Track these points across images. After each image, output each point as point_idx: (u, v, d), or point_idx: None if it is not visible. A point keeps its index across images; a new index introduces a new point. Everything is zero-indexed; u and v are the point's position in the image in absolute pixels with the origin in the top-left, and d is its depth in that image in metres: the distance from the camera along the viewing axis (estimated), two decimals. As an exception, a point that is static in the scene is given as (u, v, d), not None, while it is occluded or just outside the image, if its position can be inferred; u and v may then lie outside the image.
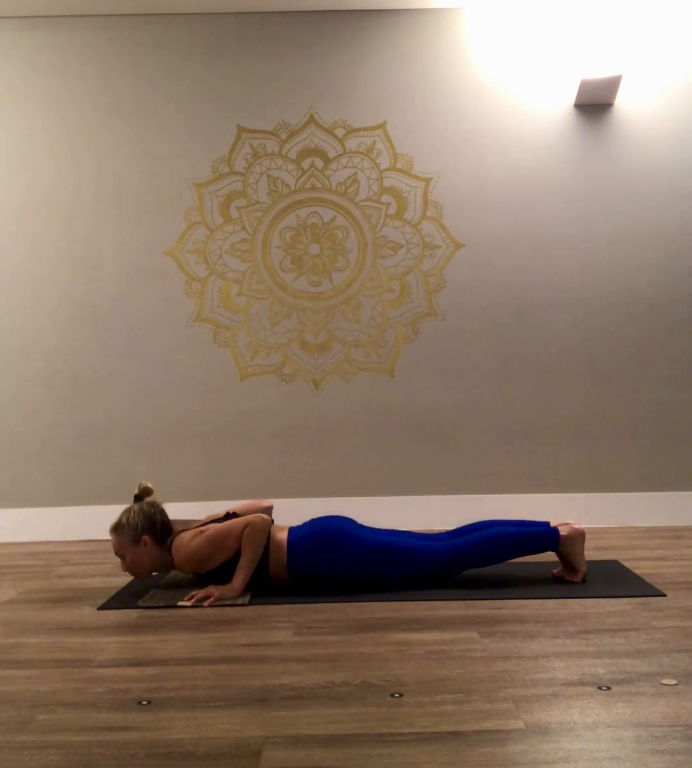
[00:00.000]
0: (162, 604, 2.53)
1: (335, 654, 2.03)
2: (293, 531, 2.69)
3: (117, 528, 2.67)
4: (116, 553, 2.67)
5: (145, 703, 1.76)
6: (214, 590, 2.54)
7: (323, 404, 3.72)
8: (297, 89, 3.76)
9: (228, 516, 2.75)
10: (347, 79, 3.76)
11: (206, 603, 2.49)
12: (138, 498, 2.75)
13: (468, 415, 3.75)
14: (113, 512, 3.68)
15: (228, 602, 2.50)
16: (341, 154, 3.76)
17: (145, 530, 2.64)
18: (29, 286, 3.76)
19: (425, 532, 2.85)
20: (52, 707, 1.75)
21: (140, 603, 2.55)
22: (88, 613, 2.48)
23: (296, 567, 2.62)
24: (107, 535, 3.67)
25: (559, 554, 2.67)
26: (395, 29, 3.75)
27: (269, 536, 2.62)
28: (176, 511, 3.67)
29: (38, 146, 3.76)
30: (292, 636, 2.19)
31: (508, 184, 3.75)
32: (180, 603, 2.52)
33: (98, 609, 2.51)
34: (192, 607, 2.49)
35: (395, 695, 1.76)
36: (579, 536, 2.66)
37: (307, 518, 3.73)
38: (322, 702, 1.73)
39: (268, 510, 2.84)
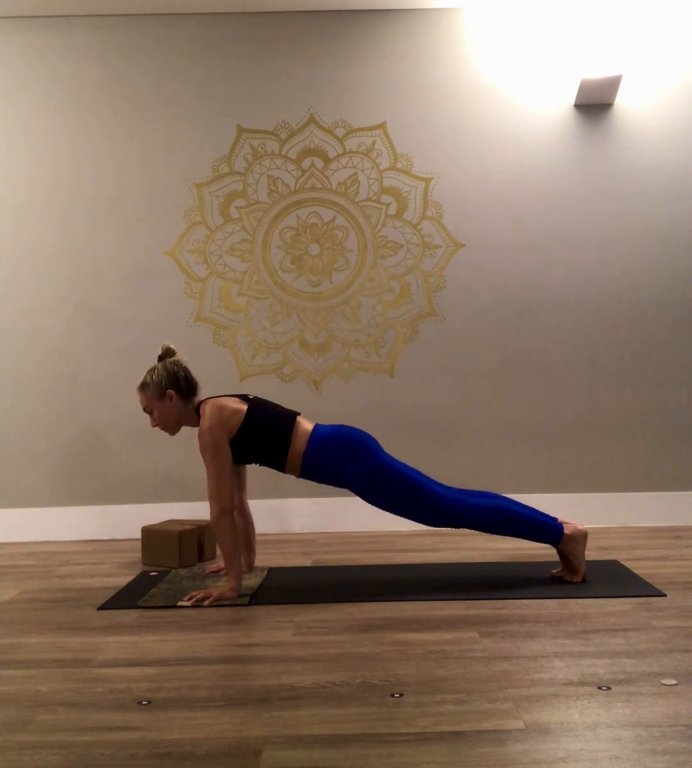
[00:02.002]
0: (162, 604, 2.53)
1: (335, 654, 2.03)
2: (318, 427, 2.70)
3: (143, 386, 2.74)
4: (144, 410, 2.76)
5: (145, 703, 1.76)
6: (213, 591, 2.55)
7: (323, 404, 3.72)
8: (297, 89, 3.76)
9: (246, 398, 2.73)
10: (347, 79, 3.77)
11: (205, 603, 2.50)
12: (161, 358, 2.78)
13: (468, 415, 3.75)
14: (113, 512, 3.71)
15: (228, 602, 2.51)
16: (341, 154, 3.76)
17: (170, 386, 2.70)
18: (29, 286, 3.76)
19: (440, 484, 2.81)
20: (52, 707, 1.75)
21: (140, 603, 2.55)
22: (88, 613, 2.48)
23: (311, 460, 2.63)
24: (107, 535, 3.70)
25: (560, 551, 2.67)
26: (395, 29, 3.76)
27: (293, 430, 2.64)
28: (176, 511, 3.69)
29: (37, 146, 3.76)
30: (292, 636, 2.19)
31: (508, 184, 3.75)
32: (180, 603, 2.52)
33: (98, 609, 2.51)
34: (192, 607, 2.50)
35: (395, 695, 1.76)
36: (581, 536, 2.66)
37: (306, 518, 3.75)
38: (322, 702, 1.73)
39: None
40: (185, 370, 2.76)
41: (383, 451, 2.69)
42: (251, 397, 2.74)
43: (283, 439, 2.64)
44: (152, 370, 2.74)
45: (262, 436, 2.64)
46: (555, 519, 2.70)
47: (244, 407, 2.65)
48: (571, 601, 2.44)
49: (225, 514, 2.57)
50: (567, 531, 2.65)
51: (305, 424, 2.69)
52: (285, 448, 2.64)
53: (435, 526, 2.68)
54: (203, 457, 2.61)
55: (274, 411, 2.71)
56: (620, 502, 3.69)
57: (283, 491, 3.67)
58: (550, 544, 2.67)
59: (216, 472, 2.58)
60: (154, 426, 2.78)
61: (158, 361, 2.78)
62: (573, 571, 2.66)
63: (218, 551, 3.34)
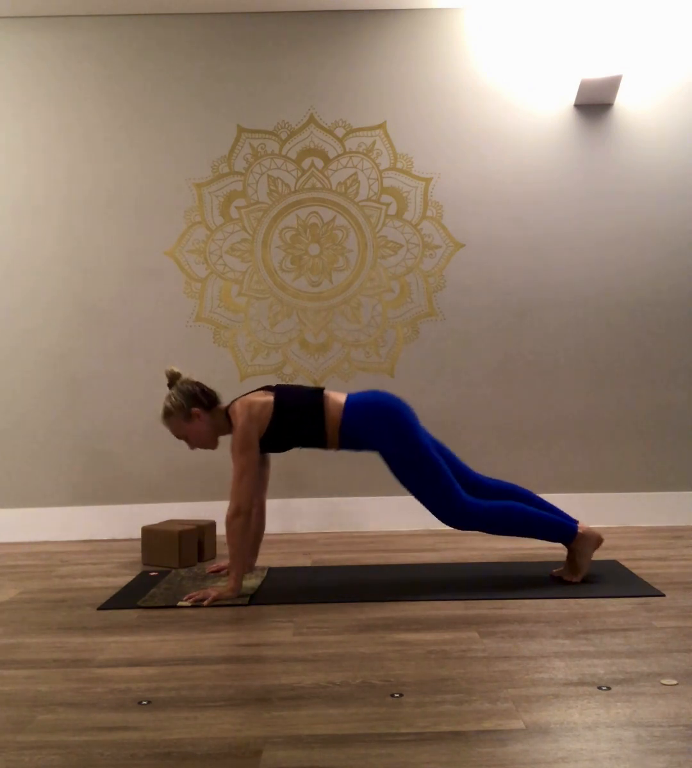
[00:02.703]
0: (162, 604, 2.53)
1: (335, 654, 2.03)
2: (351, 395, 2.71)
3: (167, 415, 2.73)
4: (178, 438, 2.76)
5: (145, 703, 1.76)
6: (212, 591, 2.55)
7: (323, 404, 3.72)
8: (297, 89, 3.76)
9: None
10: (347, 79, 3.77)
11: (204, 603, 2.50)
12: (171, 384, 2.77)
13: (468, 415, 3.75)
14: (113, 512, 3.71)
15: (228, 602, 2.51)
16: (341, 154, 3.76)
17: (192, 404, 2.70)
18: (29, 286, 3.76)
19: (463, 464, 2.82)
20: (52, 707, 1.75)
21: (140, 603, 2.55)
22: (88, 613, 2.48)
23: (349, 428, 2.63)
24: (107, 535, 3.69)
25: (569, 549, 2.67)
26: (395, 29, 3.76)
27: (324, 403, 2.65)
28: (176, 511, 3.69)
29: (37, 146, 3.76)
30: (292, 636, 2.19)
31: (508, 184, 3.75)
32: (180, 603, 2.52)
33: (98, 609, 2.51)
34: (191, 607, 2.50)
35: (395, 695, 1.76)
36: (594, 539, 2.66)
37: (306, 518, 3.75)
38: (322, 702, 1.73)
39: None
40: (199, 384, 2.76)
41: (420, 426, 2.68)
42: (274, 386, 2.75)
43: (317, 414, 2.64)
44: (168, 397, 2.73)
45: (295, 419, 2.64)
46: (569, 517, 2.72)
47: (271, 397, 2.66)
48: (571, 601, 2.44)
49: (240, 514, 2.55)
50: (580, 530, 2.65)
51: (336, 395, 2.71)
52: (321, 423, 2.64)
53: (448, 524, 2.65)
54: (232, 455, 2.61)
55: (300, 392, 2.72)
56: (620, 502, 3.69)
57: (283, 491, 3.67)
58: (562, 542, 2.67)
59: (240, 470, 2.57)
60: (194, 448, 2.79)
61: (169, 388, 2.77)
62: (573, 571, 2.66)
63: (219, 551, 3.34)
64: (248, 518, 2.57)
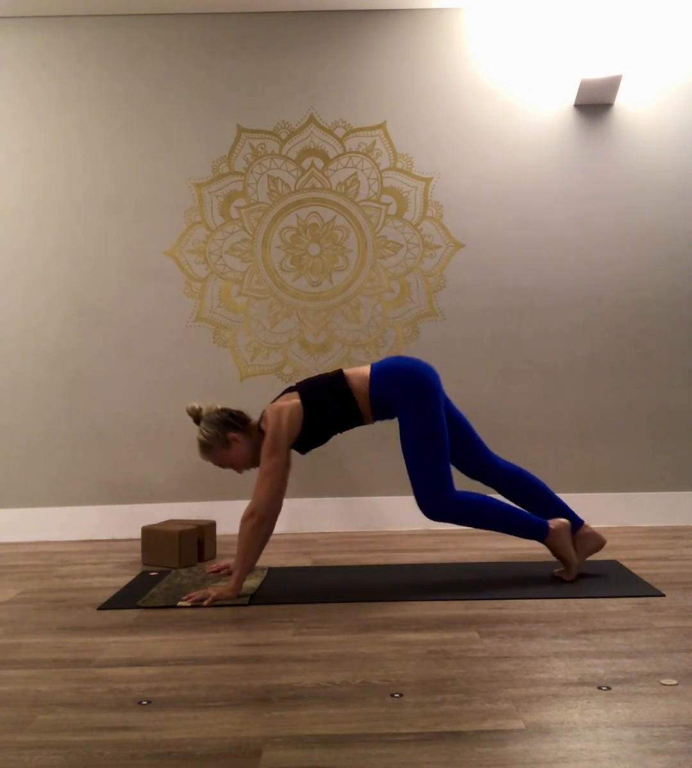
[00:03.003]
0: (162, 604, 2.53)
1: (335, 654, 2.03)
2: (374, 365, 2.73)
3: (205, 450, 2.74)
4: (222, 467, 2.77)
5: (145, 703, 1.76)
6: (212, 591, 2.55)
7: (323, 404, 3.72)
8: (297, 89, 3.76)
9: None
10: (347, 79, 3.77)
11: (204, 603, 2.50)
12: (197, 420, 2.77)
13: (468, 415, 3.70)
14: (113, 512, 3.71)
15: (228, 602, 2.51)
16: (341, 154, 3.76)
17: (226, 430, 2.70)
18: (29, 286, 3.76)
19: (480, 440, 2.85)
20: (52, 707, 1.75)
21: (140, 603, 2.55)
22: (88, 613, 2.48)
23: (378, 395, 2.65)
24: (107, 535, 3.69)
25: (549, 547, 2.68)
26: (395, 29, 3.76)
27: (347, 381, 2.67)
28: (176, 511, 3.69)
29: (37, 146, 3.76)
30: (292, 636, 2.19)
31: (508, 184, 3.75)
32: (179, 603, 2.52)
33: (98, 609, 2.51)
34: (191, 607, 2.50)
35: (395, 695, 1.76)
36: (563, 528, 2.66)
37: (306, 518, 3.75)
38: (322, 702, 1.73)
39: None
40: (225, 409, 2.77)
41: (442, 399, 2.69)
42: (295, 386, 2.75)
43: (344, 395, 2.66)
44: (200, 432, 2.73)
45: (326, 407, 2.66)
46: (574, 515, 2.76)
47: (297, 399, 2.66)
48: (571, 601, 2.44)
49: (254, 516, 2.53)
50: (552, 526, 2.66)
51: (358, 369, 2.74)
52: (351, 401, 2.66)
53: (422, 508, 2.63)
54: (261, 459, 2.63)
55: (321, 381, 2.73)
56: (620, 502, 3.69)
57: (283, 491, 3.66)
58: (535, 540, 2.68)
59: (263, 473, 2.57)
60: (242, 472, 2.81)
61: (197, 424, 2.77)
62: (566, 568, 2.67)
63: (219, 551, 3.34)
64: (264, 523, 2.53)
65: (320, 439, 2.75)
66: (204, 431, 2.72)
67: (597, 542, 2.75)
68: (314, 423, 2.67)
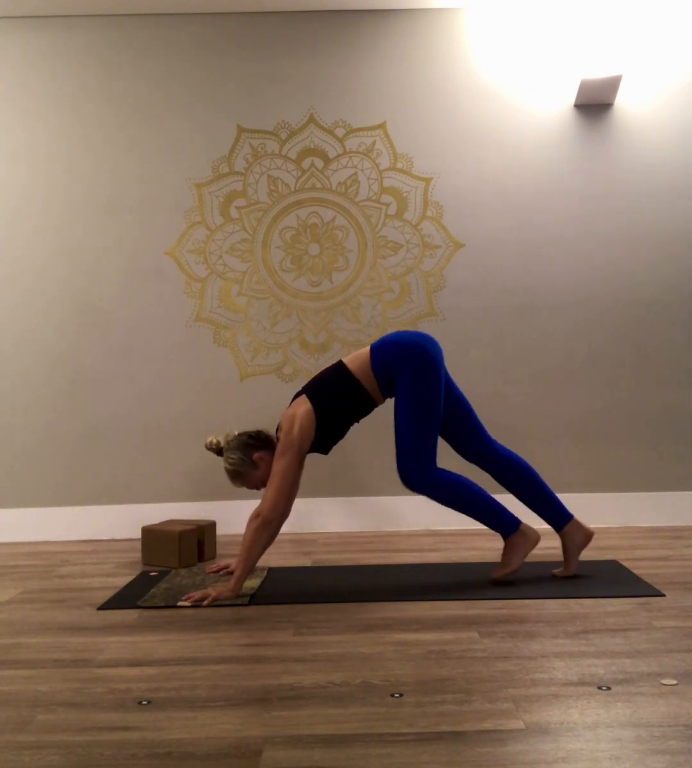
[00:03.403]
0: (162, 604, 2.53)
1: (335, 654, 2.03)
2: (375, 343, 2.73)
3: (235, 477, 2.75)
4: (257, 489, 2.78)
5: (145, 703, 1.76)
6: (211, 591, 2.54)
7: (323, 404, 3.72)
8: (297, 89, 3.76)
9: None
10: (347, 79, 3.77)
11: (204, 603, 2.50)
12: (219, 452, 2.78)
13: (468, 415, 3.74)
14: (113, 512, 3.71)
15: (228, 602, 2.51)
16: (341, 154, 3.76)
17: (251, 452, 2.71)
18: (29, 286, 3.76)
19: (478, 422, 2.83)
20: (52, 707, 1.75)
21: (140, 603, 2.55)
22: (88, 613, 2.48)
23: (381, 371, 2.65)
24: (107, 535, 3.69)
25: (509, 543, 2.68)
26: (395, 29, 3.76)
27: (348, 367, 2.67)
28: (176, 511, 3.69)
29: (37, 146, 3.76)
30: (292, 636, 2.19)
31: (508, 184, 3.75)
32: (179, 603, 2.52)
33: (98, 609, 2.51)
34: (191, 607, 2.50)
35: (395, 695, 1.76)
36: (530, 541, 2.66)
37: (306, 518, 3.75)
38: (322, 702, 1.73)
39: None
40: (242, 433, 2.77)
41: (442, 374, 2.68)
42: (302, 390, 2.74)
43: (350, 384, 2.66)
44: (225, 462, 2.74)
45: (337, 403, 2.66)
46: (562, 509, 2.74)
47: (308, 403, 2.65)
48: (571, 601, 2.44)
49: (258, 518, 2.53)
50: (522, 527, 2.66)
51: (357, 353, 2.73)
52: (358, 387, 2.66)
53: (403, 478, 2.64)
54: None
55: (325, 378, 2.72)
56: (620, 502, 3.69)
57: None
58: (502, 534, 2.68)
59: (272, 475, 2.57)
60: None
61: (220, 455, 2.78)
62: (503, 566, 2.66)
63: (219, 551, 3.34)
64: (268, 525, 2.53)
65: (339, 433, 2.74)
66: (229, 459, 2.73)
67: (585, 534, 2.72)
68: (328, 421, 2.67)
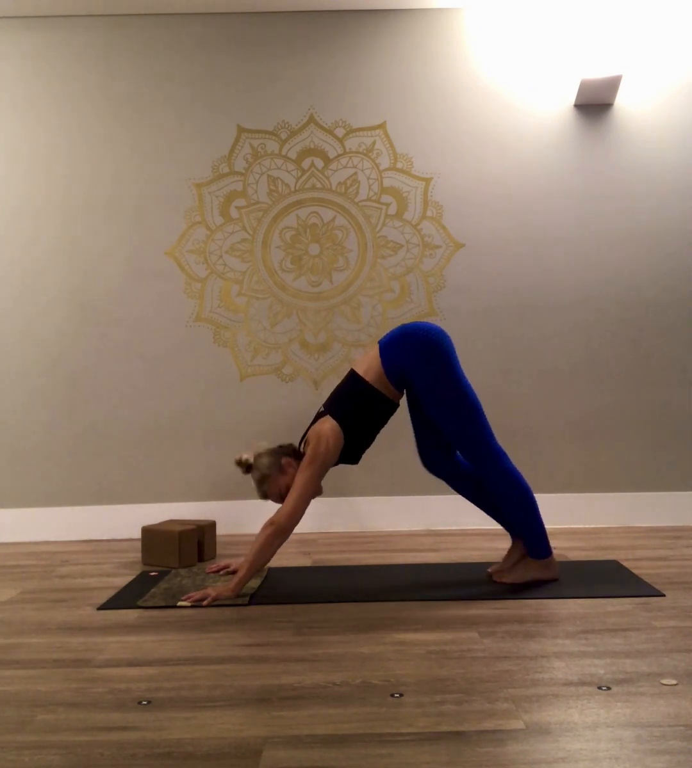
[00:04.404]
0: (162, 604, 2.53)
1: (335, 654, 2.03)
2: (381, 340, 2.72)
3: (262, 481, 2.75)
4: (282, 499, 2.74)
5: (145, 703, 1.76)
6: (211, 591, 2.55)
7: (323, 404, 3.72)
8: (297, 89, 3.76)
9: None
10: (347, 79, 3.77)
11: (204, 603, 2.50)
12: (249, 469, 2.78)
13: (468, 415, 3.74)
14: (113, 512, 3.71)
15: (227, 602, 2.51)
16: (341, 154, 3.76)
17: (277, 461, 2.72)
18: (28, 285, 3.76)
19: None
20: (52, 707, 1.75)
21: (140, 603, 2.55)
22: (88, 613, 2.48)
23: (392, 372, 2.63)
24: (107, 535, 3.70)
25: (532, 566, 2.68)
26: (395, 29, 3.76)
27: (362, 376, 2.66)
28: (176, 511, 3.69)
29: (37, 146, 3.76)
30: (292, 636, 2.19)
31: (508, 184, 3.75)
32: (179, 603, 2.52)
33: (98, 609, 2.51)
34: (191, 607, 2.50)
35: (395, 695, 1.76)
36: (547, 573, 2.67)
37: (306, 518, 3.74)
38: (322, 702, 1.73)
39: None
40: (268, 446, 2.78)
41: (454, 355, 2.65)
42: (322, 408, 2.73)
43: (367, 393, 2.64)
44: (255, 472, 2.74)
45: (359, 415, 2.65)
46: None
47: (332, 420, 2.63)
48: (571, 601, 2.44)
49: (273, 526, 2.53)
50: (552, 557, 2.67)
51: (367, 355, 2.72)
52: (375, 393, 2.64)
53: (475, 462, 2.63)
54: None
55: (342, 392, 2.71)
56: (620, 502, 3.69)
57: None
58: (535, 556, 2.67)
59: (293, 486, 2.58)
60: None
61: (249, 472, 2.77)
62: (510, 572, 2.68)
63: (219, 551, 3.34)
64: (281, 533, 2.53)
65: (367, 442, 2.73)
66: (258, 469, 2.73)
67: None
68: (355, 433, 2.66)
